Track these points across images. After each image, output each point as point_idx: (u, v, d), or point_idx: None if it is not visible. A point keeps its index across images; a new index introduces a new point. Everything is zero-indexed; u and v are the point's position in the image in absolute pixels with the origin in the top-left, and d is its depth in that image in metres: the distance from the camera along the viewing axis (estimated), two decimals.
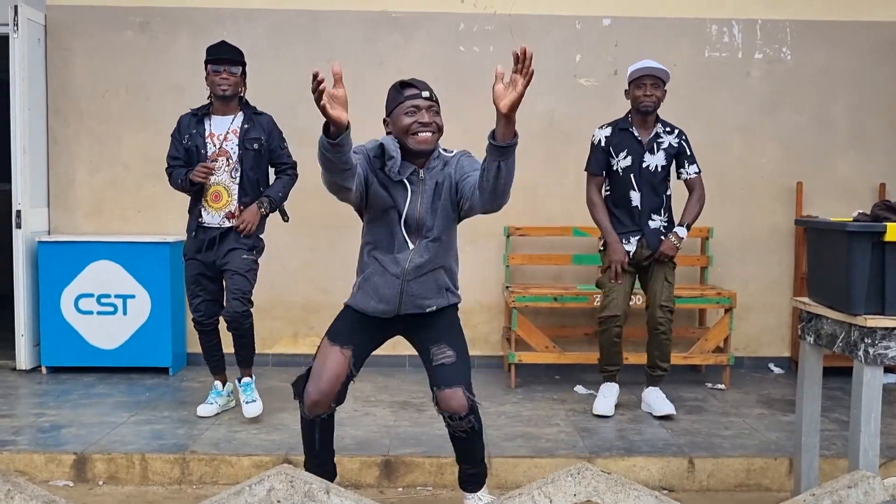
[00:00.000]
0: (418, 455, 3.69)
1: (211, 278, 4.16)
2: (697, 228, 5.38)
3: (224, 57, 4.08)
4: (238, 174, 4.09)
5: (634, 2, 5.41)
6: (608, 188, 4.31)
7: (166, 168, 4.18)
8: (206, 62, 4.10)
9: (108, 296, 5.12)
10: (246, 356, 4.25)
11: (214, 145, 4.10)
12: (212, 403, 4.29)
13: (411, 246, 2.93)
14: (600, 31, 5.42)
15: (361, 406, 4.50)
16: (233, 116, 4.14)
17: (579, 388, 4.92)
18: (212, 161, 4.05)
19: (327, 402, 2.96)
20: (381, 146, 2.91)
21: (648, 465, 3.68)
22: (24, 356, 5.19)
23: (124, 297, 5.12)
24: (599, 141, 4.27)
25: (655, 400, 4.31)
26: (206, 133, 4.11)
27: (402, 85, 2.89)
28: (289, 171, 4.27)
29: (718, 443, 3.90)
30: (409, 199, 2.90)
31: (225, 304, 4.13)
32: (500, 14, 5.40)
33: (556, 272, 5.51)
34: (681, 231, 4.20)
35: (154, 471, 3.65)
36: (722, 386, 4.99)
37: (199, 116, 4.16)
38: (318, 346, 3.03)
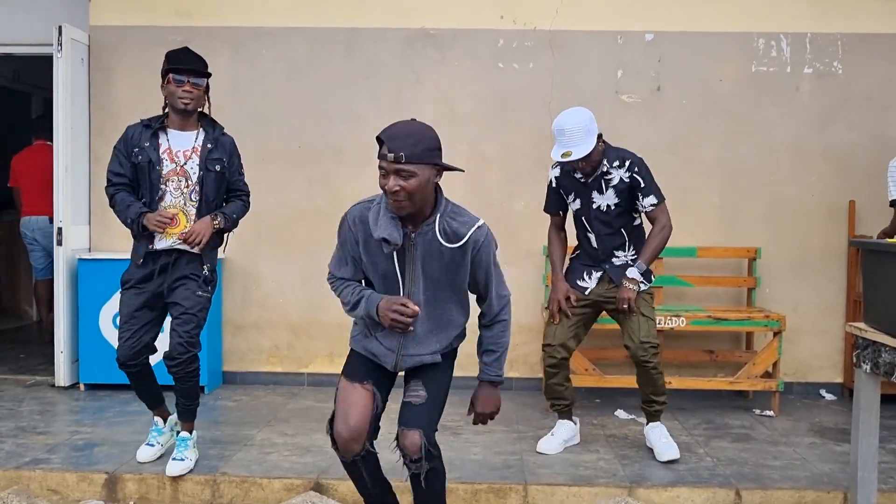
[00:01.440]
0: (452, 481, 3.58)
1: (152, 309, 3.64)
2: (744, 248, 5.20)
3: (188, 67, 3.58)
4: (197, 197, 3.64)
5: (678, 16, 5.28)
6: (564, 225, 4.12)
7: (107, 186, 3.65)
8: (167, 70, 3.60)
9: None
10: (187, 407, 3.73)
11: (173, 162, 3.62)
12: (153, 445, 3.81)
13: (412, 333, 2.82)
14: (643, 46, 5.30)
15: (395, 428, 4.39)
16: (195, 133, 3.68)
17: (620, 413, 4.76)
18: (172, 215, 3.56)
19: (361, 440, 2.81)
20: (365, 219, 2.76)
21: (693, 496, 3.51)
22: (62, 373, 5.22)
23: None
24: (551, 181, 4.02)
25: (658, 440, 3.93)
26: (163, 149, 3.61)
27: (378, 139, 2.62)
28: (243, 196, 3.83)
29: (767, 473, 3.71)
30: (395, 267, 2.74)
31: (168, 345, 3.60)
32: (539, 30, 5.32)
33: None
34: (632, 272, 3.80)
35: (184, 492, 3.60)
36: (770, 413, 4.78)
37: (153, 129, 3.64)
38: (337, 389, 2.92)
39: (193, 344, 3.62)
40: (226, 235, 3.83)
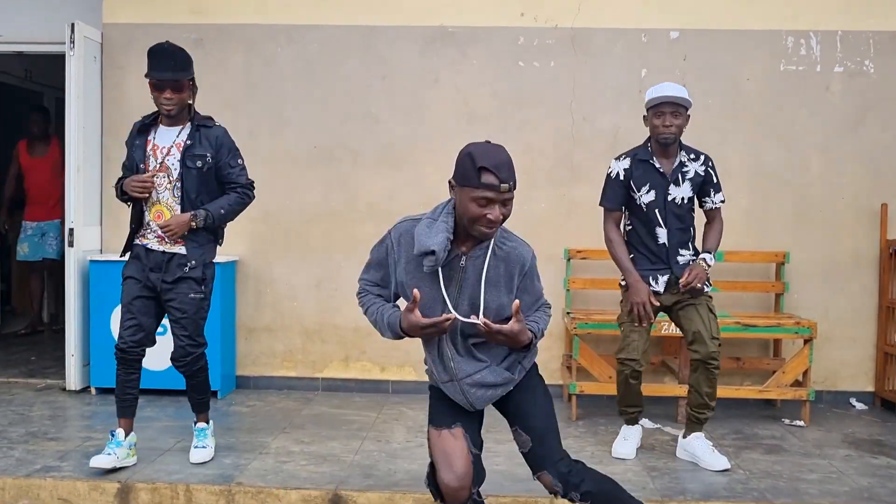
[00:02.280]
0: None
1: (148, 303, 3.66)
2: (773, 252, 5.05)
3: (165, 77, 3.54)
4: (180, 194, 3.60)
5: (704, 14, 5.14)
6: (629, 224, 3.93)
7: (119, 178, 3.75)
8: (147, 75, 3.59)
9: None
10: (200, 400, 3.84)
11: (157, 159, 3.61)
12: (109, 454, 3.60)
13: (450, 353, 2.66)
14: (668, 44, 5.16)
15: (415, 437, 4.28)
16: (179, 128, 3.64)
17: (645, 422, 4.61)
18: (150, 175, 3.58)
19: (468, 486, 2.64)
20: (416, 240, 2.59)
21: None
22: (73, 376, 5.12)
23: None
24: (617, 174, 3.87)
25: (706, 452, 3.80)
26: (150, 145, 3.63)
27: (481, 169, 2.42)
28: (238, 189, 3.71)
29: (804, 488, 3.57)
30: (441, 290, 2.57)
31: (173, 348, 3.69)
32: (561, 28, 5.19)
33: (618, 297, 5.20)
34: (709, 258, 3.79)
35: (198, 502, 3.49)
36: (801, 422, 4.63)
37: (145, 125, 3.67)
38: (428, 440, 2.77)
39: (196, 344, 3.69)
40: (222, 231, 3.79)
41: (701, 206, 3.92)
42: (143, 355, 3.72)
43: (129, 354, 3.67)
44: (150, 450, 3.94)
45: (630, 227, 3.93)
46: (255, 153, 5.31)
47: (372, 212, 5.30)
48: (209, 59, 5.32)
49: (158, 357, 5.01)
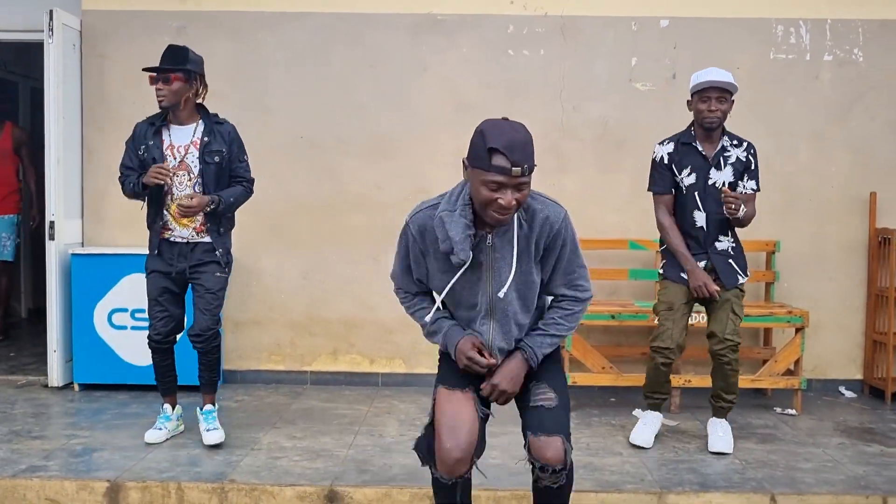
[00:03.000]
0: (473, 487, 3.40)
1: (176, 293, 3.91)
2: (763, 242, 5.05)
3: (157, 67, 3.74)
4: (201, 190, 3.79)
5: (694, 2, 5.11)
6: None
7: (119, 177, 3.89)
8: (145, 70, 3.83)
9: (142, 310, 4.89)
10: (210, 379, 4.00)
11: (175, 158, 3.79)
12: (160, 429, 3.98)
13: (485, 328, 2.56)
14: (658, 32, 5.13)
15: (408, 430, 4.23)
16: (193, 126, 3.82)
17: (638, 413, 4.58)
18: (170, 166, 3.75)
19: (469, 459, 2.49)
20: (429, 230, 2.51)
21: (726, 501, 3.36)
22: (56, 373, 5.00)
23: None
24: (661, 158, 3.91)
25: (713, 433, 3.95)
26: (166, 145, 3.80)
27: (491, 150, 2.30)
28: (244, 183, 3.93)
29: (800, 477, 3.57)
30: (473, 273, 2.48)
31: (194, 320, 3.89)
32: (551, 15, 5.14)
33: (610, 287, 5.20)
34: (742, 210, 3.76)
35: (191, 501, 3.42)
36: (793, 411, 4.65)
37: (156, 126, 3.83)
38: (434, 398, 2.61)
39: (217, 321, 3.91)
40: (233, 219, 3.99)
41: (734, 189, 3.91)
42: (175, 342, 3.98)
43: (163, 344, 3.92)
44: (138, 447, 3.86)
45: (672, 212, 3.93)
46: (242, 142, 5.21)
47: (360, 202, 5.22)
48: (193, 47, 5.09)
49: (142, 352, 4.90)
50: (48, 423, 4.30)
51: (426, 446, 2.59)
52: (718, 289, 3.80)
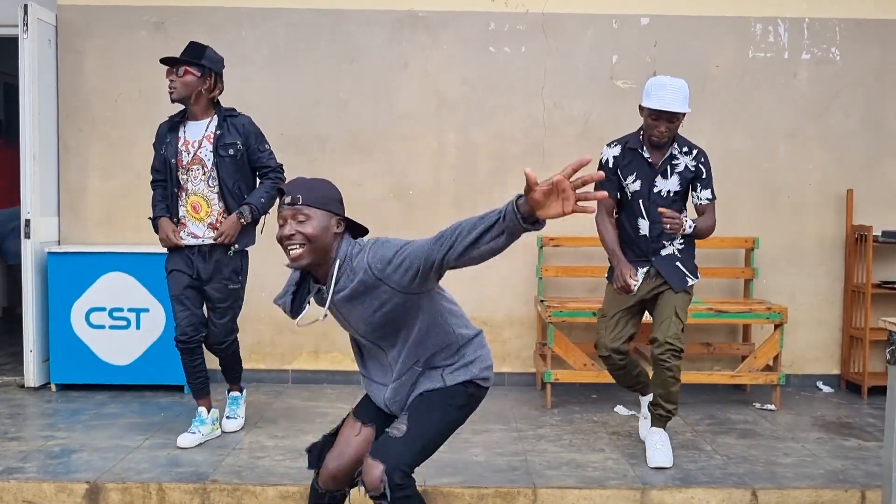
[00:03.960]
0: (456, 485, 3.41)
1: (197, 291, 3.92)
2: (742, 238, 5.09)
3: (173, 58, 3.79)
4: (216, 183, 3.82)
5: (674, 0, 5.14)
6: (617, 213, 3.82)
7: (151, 181, 3.97)
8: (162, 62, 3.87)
9: (120, 309, 4.86)
10: (234, 373, 4.15)
11: (189, 153, 3.82)
12: (194, 433, 3.90)
13: (380, 381, 2.61)
14: (638, 30, 5.15)
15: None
16: (208, 121, 3.85)
17: (620, 409, 4.63)
18: (177, 237, 3.84)
19: (345, 482, 2.63)
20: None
21: (708, 496, 3.38)
22: (32, 373, 4.93)
23: (138, 311, 4.86)
24: (607, 161, 3.75)
25: (651, 445, 3.68)
26: (181, 141, 3.84)
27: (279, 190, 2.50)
28: (270, 174, 3.94)
29: (781, 472, 3.60)
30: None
31: (208, 331, 3.95)
32: (532, 13, 5.14)
33: (591, 284, 5.22)
34: (688, 223, 3.62)
35: (172, 502, 3.38)
36: (772, 406, 4.69)
37: (174, 123, 3.90)
38: (344, 419, 2.73)
39: (230, 331, 3.98)
40: (262, 218, 4.00)
41: (691, 200, 3.81)
42: (203, 341, 3.95)
43: (191, 343, 3.88)
44: (117, 448, 3.82)
45: (617, 217, 3.82)
46: None
47: None
48: (170, 42, 5.14)
49: (121, 352, 4.88)
50: (25, 424, 4.23)
51: (318, 452, 2.68)
52: (635, 283, 3.63)
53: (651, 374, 3.78)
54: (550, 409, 4.65)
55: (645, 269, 3.75)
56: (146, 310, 4.86)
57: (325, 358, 5.26)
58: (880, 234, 4.95)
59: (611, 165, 3.75)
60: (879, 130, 5.18)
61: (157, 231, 3.90)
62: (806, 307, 5.20)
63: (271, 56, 5.17)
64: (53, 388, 4.92)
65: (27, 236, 4.87)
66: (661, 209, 3.60)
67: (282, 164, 3.99)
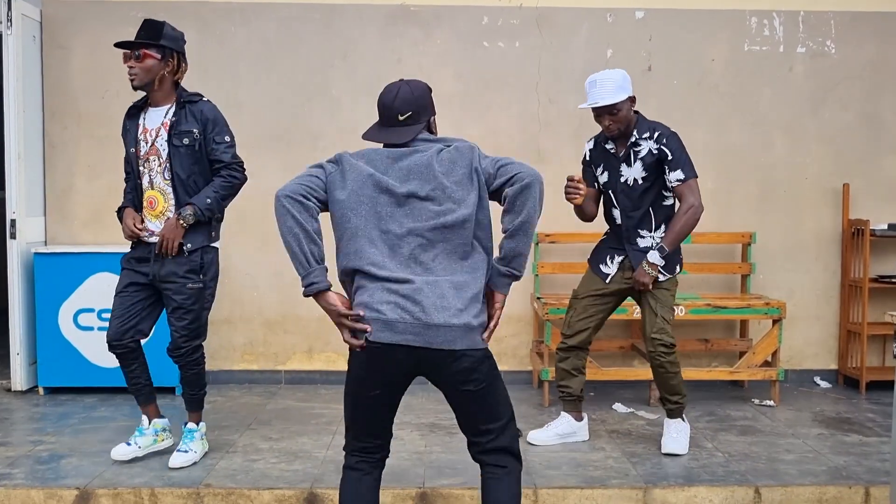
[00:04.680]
0: (457, 486, 3.35)
1: (142, 290, 3.51)
2: (739, 234, 5.05)
3: (129, 41, 3.42)
4: (170, 175, 3.46)
5: None
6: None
7: (125, 177, 3.66)
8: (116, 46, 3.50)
9: (109, 311, 4.75)
10: (193, 395, 3.63)
11: (147, 142, 3.48)
12: (130, 444, 3.56)
13: None
14: (633, 24, 5.10)
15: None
16: (167, 107, 3.49)
17: (618, 407, 4.58)
18: (139, 228, 3.47)
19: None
20: None
21: (711, 495, 3.34)
22: (19, 376, 4.83)
23: None
24: (585, 155, 3.92)
25: (666, 434, 3.79)
26: (140, 129, 3.51)
27: None
28: (223, 171, 3.50)
29: (783, 469, 3.56)
30: None
31: (170, 337, 3.56)
32: (526, 7, 5.07)
33: None
34: (652, 256, 3.59)
35: None
36: (771, 402, 4.65)
37: (135, 109, 3.57)
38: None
39: (192, 336, 3.54)
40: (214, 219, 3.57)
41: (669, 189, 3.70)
42: (136, 347, 3.57)
43: (118, 349, 3.54)
44: (107, 453, 3.71)
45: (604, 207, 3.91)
46: None
47: None
48: None
49: (110, 354, 4.76)
50: (12, 429, 4.14)
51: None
52: (577, 181, 3.65)
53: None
54: (548, 407, 4.59)
55: (621, 259, 3.78)
56: None
57: (319, 358, 5.19)
58: (886, 226, 4.92)
59: (587, 159, 3.91)
60: (876, 124, 5.15)
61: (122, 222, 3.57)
62: (803, 302, 5.17)
63: (262, 52, 5.08)
64: (41, 391, 4.82)
65: (13, 237, 4.77)
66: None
67: (240, 162, 3.57)
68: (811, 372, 5.21)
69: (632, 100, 3.66)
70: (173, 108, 3.48)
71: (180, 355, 3.54)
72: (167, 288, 3.48)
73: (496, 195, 2.47)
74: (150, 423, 3.64)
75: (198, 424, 3.66)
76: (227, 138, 3.53)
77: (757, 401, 4.71)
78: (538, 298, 4.82)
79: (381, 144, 2.58)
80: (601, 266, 3.83)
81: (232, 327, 5.16)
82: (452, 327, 2.33)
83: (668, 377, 3.68)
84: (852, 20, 5.10)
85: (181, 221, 3.42)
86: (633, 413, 4.47)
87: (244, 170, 3.60)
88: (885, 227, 4.94)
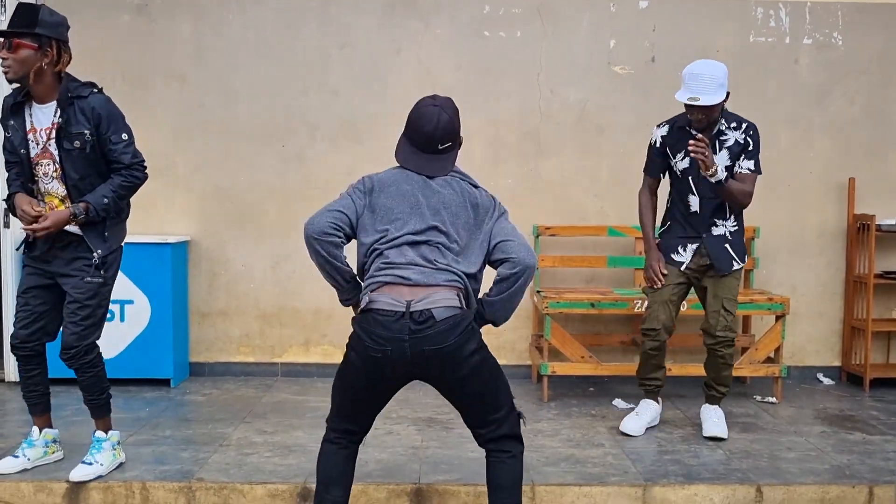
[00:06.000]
0: (452, 482, 3.30)
1: (45, 291, 3.27)
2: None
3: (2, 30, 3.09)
4: (62, 183, 3.16)
5: None
6: (670, 192, 3.94)
7: (6, 163, 3.27)
8: None
9: None
10: (93, 401, 3.33)
11: (37, 144, 3.14)
12: (17, 456, 3.34)
13: None
14: (636, 14, 5.02)
15: (383, 423, 4.08)
16: (54, 104, 3.13)
17: (618, 403, 4.52)
18: (36, 212, 3.11)
19: None
20: None
21: (711, 493, 3.28)
22: (12, 366, 4.77)
23: (122, 303, 4.71)
24: (655, 141, 3.88)
25: (707, 419, 3.95)
26: (28, 127, 3.15)
27: None
28: (123, 171, 3.19)
29: (785, 467, 3.50)
30: None
31: (61, 332, 3.28)
32: None
33: (588, 275, 5.11)
34: (721, 170, 3.62)
35: (156, 501, 3.25)
36: (773, 399, 4.59)
37: (18, 103, 3.17)
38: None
39: (86, 335, 3.24)
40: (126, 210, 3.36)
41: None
42: (42, 348, 3.36)
43: (21, 350, 3.31)
44: None
45: (670, 195, 3.91)
46: (205, 127, 5.02)
47: (330, 188, 4.95)
48: (154, 26, 4.99)
49: (104, 345, 4.63)
50: (4, 420, 4.09)
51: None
52: (665, 273, 3.81)
53: (705, 359, 3.96)
54: (547, 402, 4.53)
55: (695, 247, 3.81)
56: (130, 301, 4.71)
57: (315, 351, 5.13)
58: (893, 221, 4.86)
59: (658, 146, 3.86)
60: (882, 118, 5.07)
61: (13, 213, 3.20)
62: (807, 298, 5.10)
63: (259, 40, 5.01)
64: None
65: (6, 226, 4.71)
66: (694, 139, 3.58)
67: (141, 160, 3.24)
68: (814, 369, 5.15)
69: (726, 99, 3.65)
70: (60, 108, 3.13)
71: (73, 356, 3.24)
72: (67, 283, 3.22)
73: (490, 263, 2.67)
74: (40, 434, 3.41)
75: (106, 433, 3.37)
76: (125, 136, 3.19)
77: (759, 397, 4.65)
78: (538, 292, 4.76)
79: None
80: (673, 255, 3.86)
81: (228, 319, 5.10)
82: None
83: (723, 368, 3.87)
84: (859, 12, 5.02)
85: (71, 218, 3.12)
86: (634, 409, 4.40)
87: (145, 168, 3.27)
88: (892, 222, 4.87)
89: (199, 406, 4.41)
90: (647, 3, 5.01)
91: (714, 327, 3.79)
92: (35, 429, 3.42)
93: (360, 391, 2.60)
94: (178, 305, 4.88)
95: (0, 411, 4.26)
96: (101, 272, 3.24)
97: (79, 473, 3.25)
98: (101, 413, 3.37)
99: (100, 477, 3.27)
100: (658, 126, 3.89)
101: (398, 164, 2.76)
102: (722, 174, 3.65)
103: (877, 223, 4.83)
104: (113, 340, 4.72)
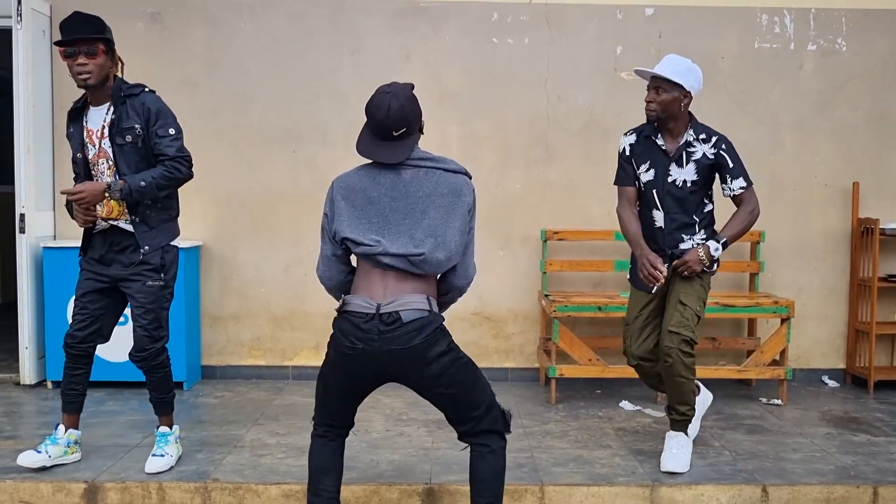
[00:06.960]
0: (464, 483, 3.34)
1: (104, 294, 3.40)
2: (748, 233, 5.01)
3: (74, 37, 3.19)
4: (119, 176, 3.28)
5: None
6: (638, 203, 3.65)
7: (74, 177, 3.46)
8: (58, 44, 3.26)
9: None
10: (161, 399, 3.51)
11: (94, 146, 3.30)
12: (40, 452, 3.41)
13: None
14: (643, 21, 5.08)
15: (394, 425, 4.16)
16: (107, 105, 3.29)
17: (625, 405, 4.57)
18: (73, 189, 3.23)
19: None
20: None
21: (718, 493, 3.33)
22: (28, 370, 4.86)
23: None
24: (624, 149, 3.60)
25: (668, 450, 3.51)
26: (85, 132, 3.32)
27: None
28: (167, 162, 3.27)
29: (790, 468, 3.55)
30: None
31: (133, 339, 3.41)
32: (535, 3, 5.06)
33: (595, 279, 5.16)
34: (713, 246, 3.44)
35: (172, 501, 3.32)
36: (778, 401, 4.64)
37: (76, 109, 3.36)
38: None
39: (156, 337, 3.41)
40: (176, 207, 3.47)
41: (723, 193, 3.56)
42: (91, 353, 3.49)
43: (75, 349, 3.45)
44: (116, 447, 3.75)
45: (638, 207, 3.64)
46: (218, 133, 5.09)
47: None
48: (167, 33, 5.07)
49: (118, 348, 4.77)
50: (21, 423, 4.16)
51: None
52: (661, 270, 3.40)
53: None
54: (555, 404, 4.59)
55: (665, 266, 3.47)
56: None
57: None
58: None
59: (627, 153, 3.60)
60: (886, 123, 5.12)
61: (73, 216, 3.33)
62: (811, 301, 5.15)
63: (271, 47, 5.09)
64: (50, 385, 4.84)
65: (22, 231, 4.79)
66: (675, 263, 3.46)
67: (187, 156, 3.33)
68: (819, 371, 5.20)
69: (686, 96, 3.44)
70: (113, 106, 3.28)
71: (145, 358, 3.40)
72: (129, 288, 3.35)
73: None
74: (65, 433, 3.49)
75: (171, 428, 3.54)
76: (172, 131, 3.30)
77: (764, 399, 4.70)
78: (546, 296, 4.82)
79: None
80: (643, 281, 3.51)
81: (239, 323, 5.17)
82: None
83: (680, 382, 3.42)
84: (864, 17, 5.08)
85: (106, 192, 3.21)
86: (640, 411, 4.47)
87: (191, 165, 3.36)
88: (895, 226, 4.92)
89: (213, 408, 4.47)
90: (653, 10, 5.07)
91: (667, 322, 3.43)
92: (61, 427, 3.51)
93: (338, 388, 2.74)
94: (191, 309, 4.95)
95: (17, 414, 4.33)
96: (161, 275, 3.36)
97: (154, 465, 3.41)
98: (166, 410, 3.55)
99: (171, 468, 3.46)
100: (625, 134, 3.64)
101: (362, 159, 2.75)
102: (716, 251, 3.44)
103: (881, 227, 4.88)
104: (126, 344, 4.76)
